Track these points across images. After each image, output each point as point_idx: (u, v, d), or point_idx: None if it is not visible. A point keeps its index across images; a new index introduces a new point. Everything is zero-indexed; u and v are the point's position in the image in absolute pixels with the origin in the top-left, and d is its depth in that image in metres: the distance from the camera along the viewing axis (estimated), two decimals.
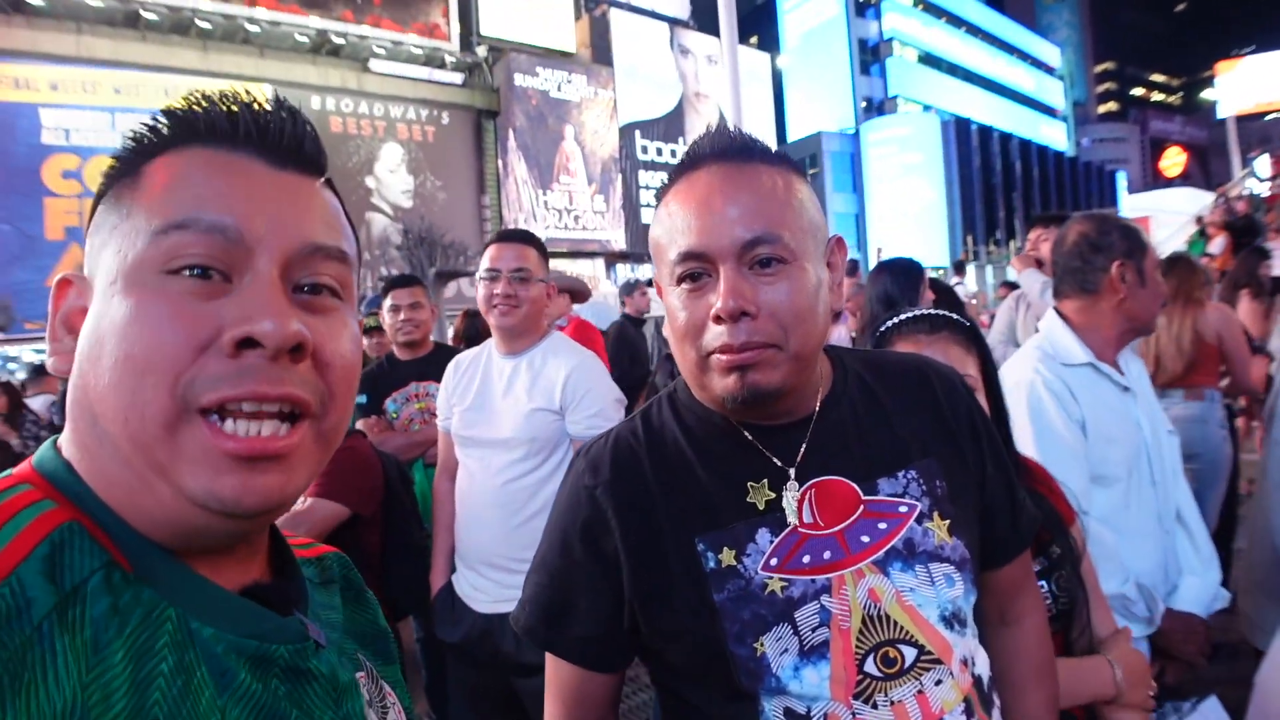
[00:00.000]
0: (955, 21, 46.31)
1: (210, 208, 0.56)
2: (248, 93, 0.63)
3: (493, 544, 2.21)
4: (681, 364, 0.98)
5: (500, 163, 24.98)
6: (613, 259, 27.22)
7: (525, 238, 2.36)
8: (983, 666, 0.97)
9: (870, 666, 0.89)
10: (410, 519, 2.63)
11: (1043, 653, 1.13)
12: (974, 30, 47.71)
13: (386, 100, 23.34)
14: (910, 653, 0.90)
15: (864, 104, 41.19)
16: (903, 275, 3.08)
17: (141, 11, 19.31)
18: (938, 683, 0.90)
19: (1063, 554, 1.37)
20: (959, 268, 9.18)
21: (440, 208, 23.17)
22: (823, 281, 0.94)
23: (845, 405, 1.01)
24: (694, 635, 0.93)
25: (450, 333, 5.47)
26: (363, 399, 3.31)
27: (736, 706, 0.92)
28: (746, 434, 0.98)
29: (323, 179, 0.66)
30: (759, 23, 44.84)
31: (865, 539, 0.93)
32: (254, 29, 20.90)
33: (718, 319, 0.89)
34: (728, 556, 0.92)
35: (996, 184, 40.76)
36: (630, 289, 6.73)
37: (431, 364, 3.21)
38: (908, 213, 36.95)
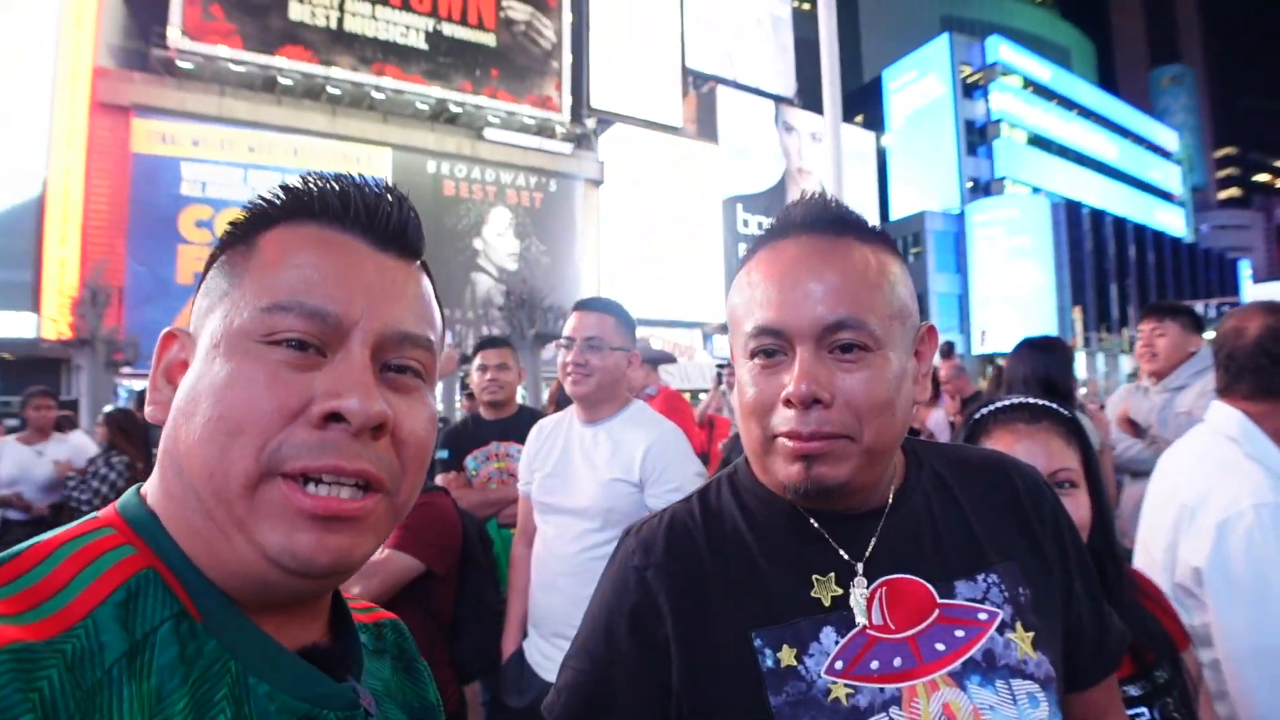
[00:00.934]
0: (1066, 104, 45.45)
1: (315, 294, 0.58)
2: (361, 176, 0.65)
3: (565, 613, 2.17)
4: (746, 442, 0.91)
5: (602, 231, 25.39)
6: (710, 331, 27.14)
7: (604, 306, 2.36)
8: None
9: None
10: (486, 581, 2.59)
11: None
12: (1086, 113, 46.74)
13: (498, 166, 24.15)
14: None
15: (970, 184, 40.54)
16: (1060, 354, 2.96)
17: (279, 78, 20.59)
18: None
19: (1170, 679, 1.23)
20: (948, 350, 8.27)
21: (544, 272, 23.62)
22: (907, 372, 0.86)
23: (919, 499, 0.93)
24: None
25: (545, 396, 5.44)
26: (444, 454, 3.39)
27: None
28: (813, 522, 0.90)
29: (419, 262, 0.68)
30: (865, 102, 45.01)
31: (940, 647, 0.84)
32: (379, 96, 22.03)
33: (788, 402, 0.82)
34: (787, 655, 0.83)
35: (1109, 269, 39.35)
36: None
37: (514, 425, 3.27)
38: (1014, 296, 35.86)
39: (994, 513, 0.94)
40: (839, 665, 0.82)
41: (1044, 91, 44.18)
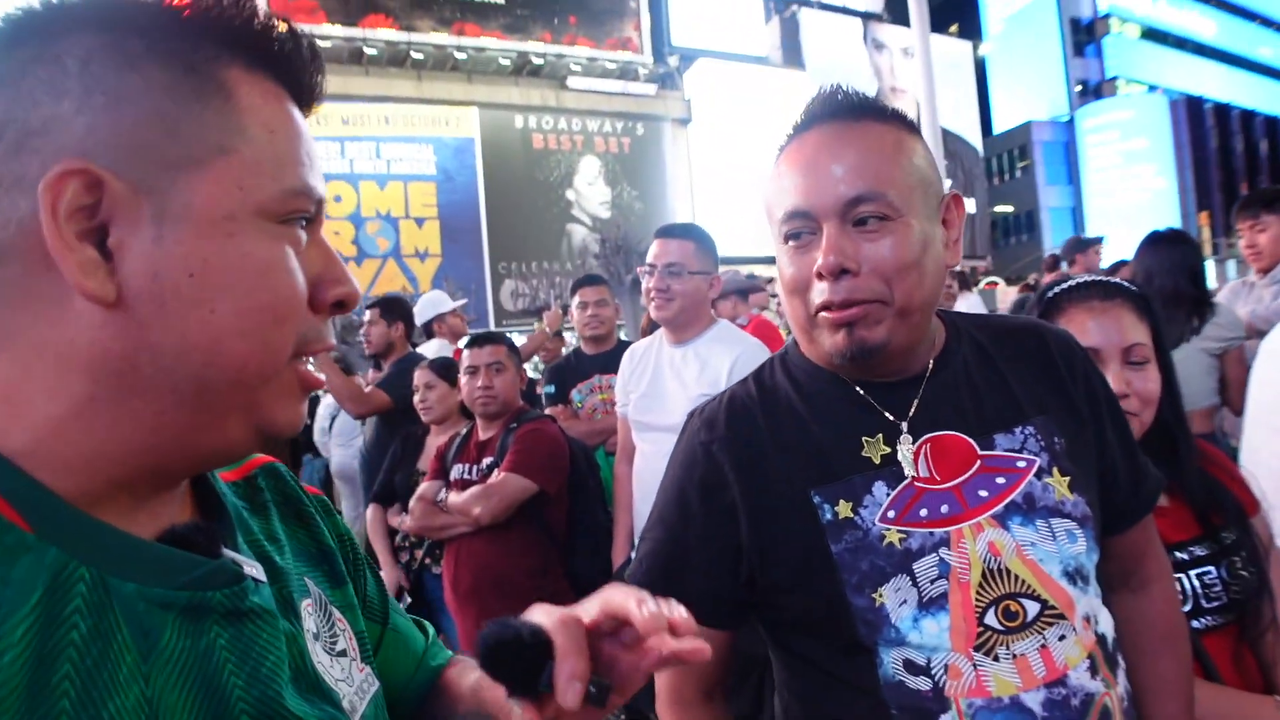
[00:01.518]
0: None
1: (313, 175, 0.58)
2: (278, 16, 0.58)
3: None
4: (791, 320, 0.99)
5: (694, 170, 25.01)
6: None
7: (685, 231, 2.49)
8: (1106, 625, 0.95)
9: (991, 619, 0.88)
10: (595, 501, 2.75)
11: (1173, 617, 1.09)
12: None
13: (584, 115, 23.96)
14: (1033, 607, 0.89)
15: (1078, 88, 37.89)
16: (1193, 246, 3.01)
17: (365, 48, 20.82)
18: (1061, 638, 0.89)
19: (1238, 540, 1.29)
20: (963, 280, 7.48)
21: (637, 217, 23.45)
22: (933, 238, 0.93)
23: (958, 363, 1.01)
24: (811, 586, 0.93)
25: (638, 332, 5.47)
26: (550, 389, 3.64)
27: (855, 660, 0.92)
28: (859, 389, 0.98)
29: None
30: (959, 9, 42.41)
31: (983, 493, 0.92)
32: (461, 56, 22.04)
33: (820, 275, 0.90)
34: (844, 509, 0.92)
35: (1238, 167, 36.47)
36: (1081, 246, 6.45)
37: (614, 358, 3.37)
38: (1133, 205, 33.65)
39: (1029, 372, 1.01)
40: (891, 514, 0.91)
41: None
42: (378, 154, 20.74)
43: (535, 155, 23.06)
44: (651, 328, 4.38)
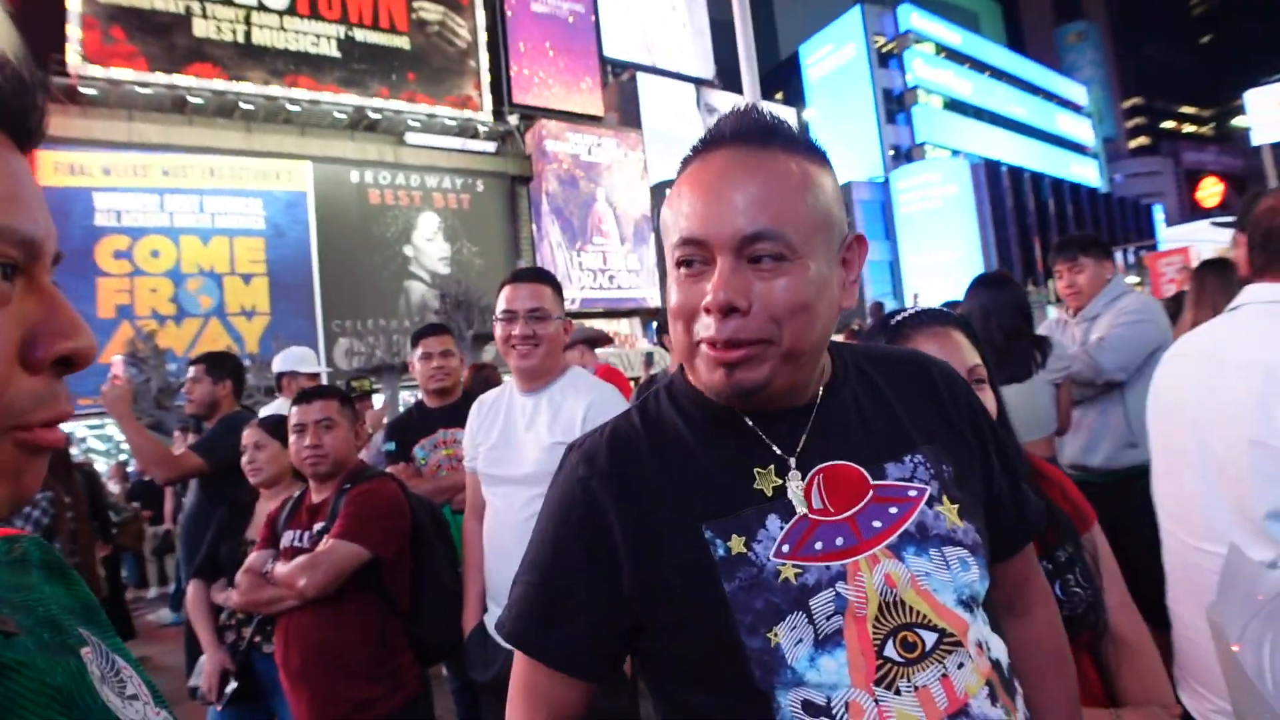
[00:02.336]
0: (978, 67, 46.51)
1: (16, 214, 0.51)
2: None
3: None
4: (676, 347, 0.94)
5: (534, 226, 25.37)
6: (648, 316, 27.33)
7: (539, 276, 2.37)
8: (999, 651, 0.93)
9: (890, 651, 0.85)
10: (441, 563, 2.59)
11: (1056, 642, 1.10)
12: (998, 74, 47.89)
13: (423, 171, 23.93)
14: (930, 637, 0.87)
15: (891, 152, 41.32)
16: (1016, 288, 3.20)
17: (188, 97, 20.09)
18: (960, 665, 0.87)
19: (1071, 557, 1.36)
20: (876, 310, 8.94)
21: (477, 273, 23.51)
22: (829, 280, 0.89)
23: (846, 393, 0.99)
24: (701, 628, 0.88)
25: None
26: (391, 446, 3.39)
27: (749, 704, 0.87)
28: (747, 420, 0.94)
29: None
30: (784, 79, 45.50)
31: (877, 524, 0.90)
32: (294, 108, 21.64)
33: (708, 310, 0.86)
34: (737, 544, 0.88)
35: (1031, 224, 40.49)
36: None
37: (459, 412, 3.19)
38: (943, 258, 36.75)
39: (915, 400, 1.00)
40: (785, 548, 0.87)
41: (956, 56, 45.16)
42: (201, 208, 19.96)
43: (372, 211, 22.80)
44: (476, 381, 4.32)
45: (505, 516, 2.29)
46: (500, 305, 2.30)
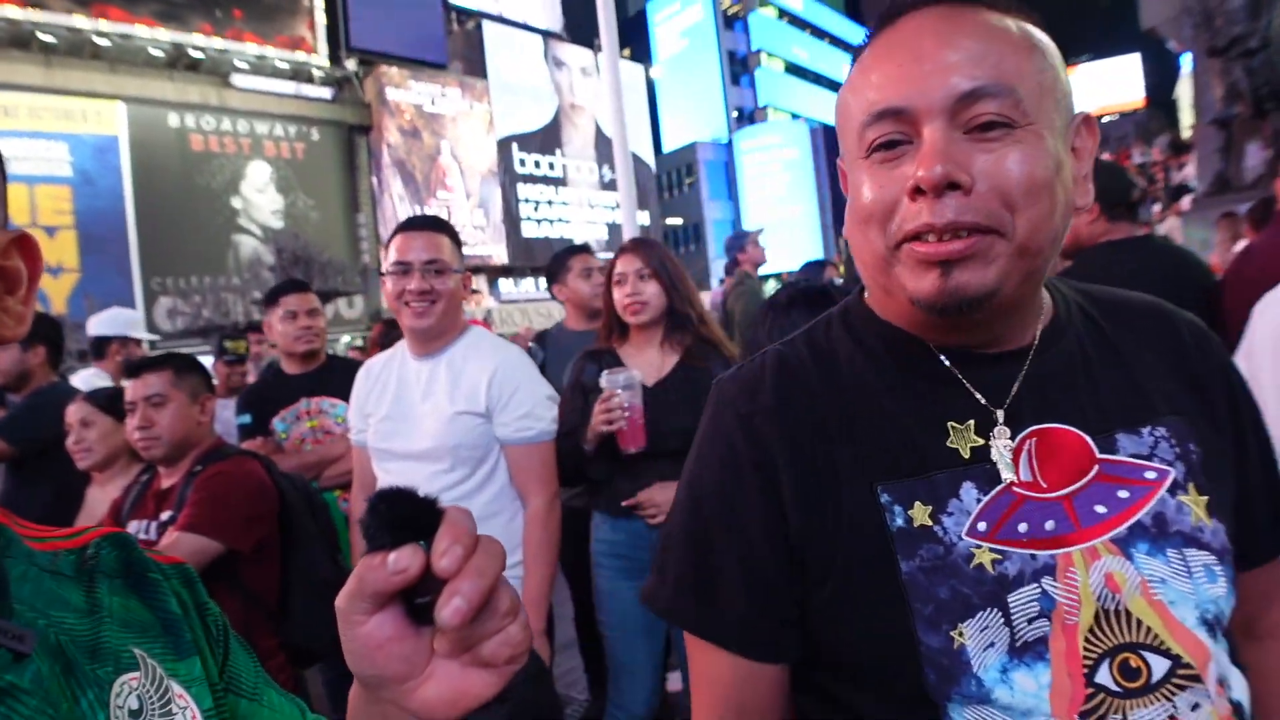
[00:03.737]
0: (818, 33, 48.18)
1: None
2: None
3: None
4: (862, 261, 0.77)
5: (375, 179, 24.54)
6: (495, 273, 27.12)
7: (436, 224, 2.12)
8: (1240, 691, 0.74)
9: (1104, 677, 0.68)
10: (318, 551, 2.33)
11: None
12: (836, 41, 49.75)
13: (251, 117, 22.54)
14: (1160, 664, 0.68)
15: (735, 114, 42.36)
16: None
17: None
18: (1194, 707, 0.68)
19: None
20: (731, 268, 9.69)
21: (314, 227, 22.58)
22: (1063, 164, 0.69)
23: (1070, 340, 0.79)
24: (870, 613, 0.72)
25: (365, 347, 4.85)
26: (246, 419, 3.00)
27: (915, 717, 0.71)
28: (944, 360, 0.77)
29: None
30: (631, 35, 45.40)
31: (1101, 509, 0.72)
32: (103, 43, 19.82)
33: (916, 192, 0.67)
34: (921, 514, 0.72)
35: None
36: (739, 241, 5.99)
37: (325, 378, 2.95)
38: (783, 218, 38.27)
39: (1156, 359, 0.80)
40: (981, 526, 0.71)
41: (798, 21, 46.56)
42: None
43: (195, 158, 21.34)
44: (388, 341, 3.75)
45: None
46: (391, 256, 2.06)
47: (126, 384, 2.32)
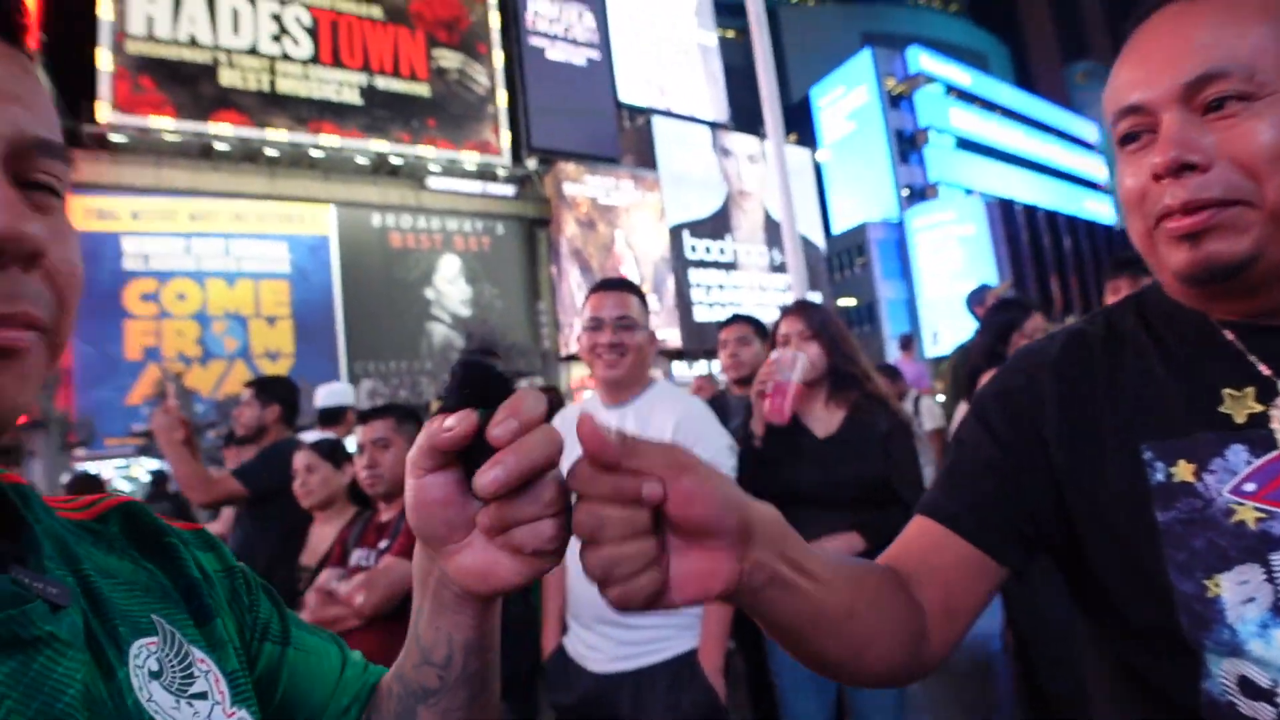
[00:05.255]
0: (988, 106, 46.92)
1: None
2: None
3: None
4: (1137, 245, 0.80)
5: (554, 268, 25.51)
6: (669, 356, 27.29)
7: (626, 285, 2.32)
8: None
9: None
10: None
11: None
12: (1008, 113, 48.25)
13: (443, 215, 24.15)
14: None
15: (905, 192, 41.53)
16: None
17: (214, 144, 20.42)
18: None
19: None
20: (907, 343, 9.16)
21: (497, 315, 23.62)
22: None
23: None
24: (1126, 558, 0.75)
25: None
26: None
27: (1175, 660, 0.71)
28: (1226, 333, 0.77)
29: (30, 50, 0.53)
30: (797, 121, 45.99)
31: None
32: (318, 154, 21.95)
33: (1157, 178, 0.72)
34: (1184, 470, 0.73)
35: (1048, 260, 40.46)
36: (980, 295, 6.20)
37: None
38: (959, 296, 36.70)
39: None
40: (1249, 487, 0.70)
41: (967, 96, 45.56)
42: (227, 251, 20.15)
43: (393, 254, 22.99)
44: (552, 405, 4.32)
45: None
46: (586, 313, 2.26)
47: (357, 429, 2.61)
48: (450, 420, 0.50)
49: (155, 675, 0.54)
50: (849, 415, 2.45)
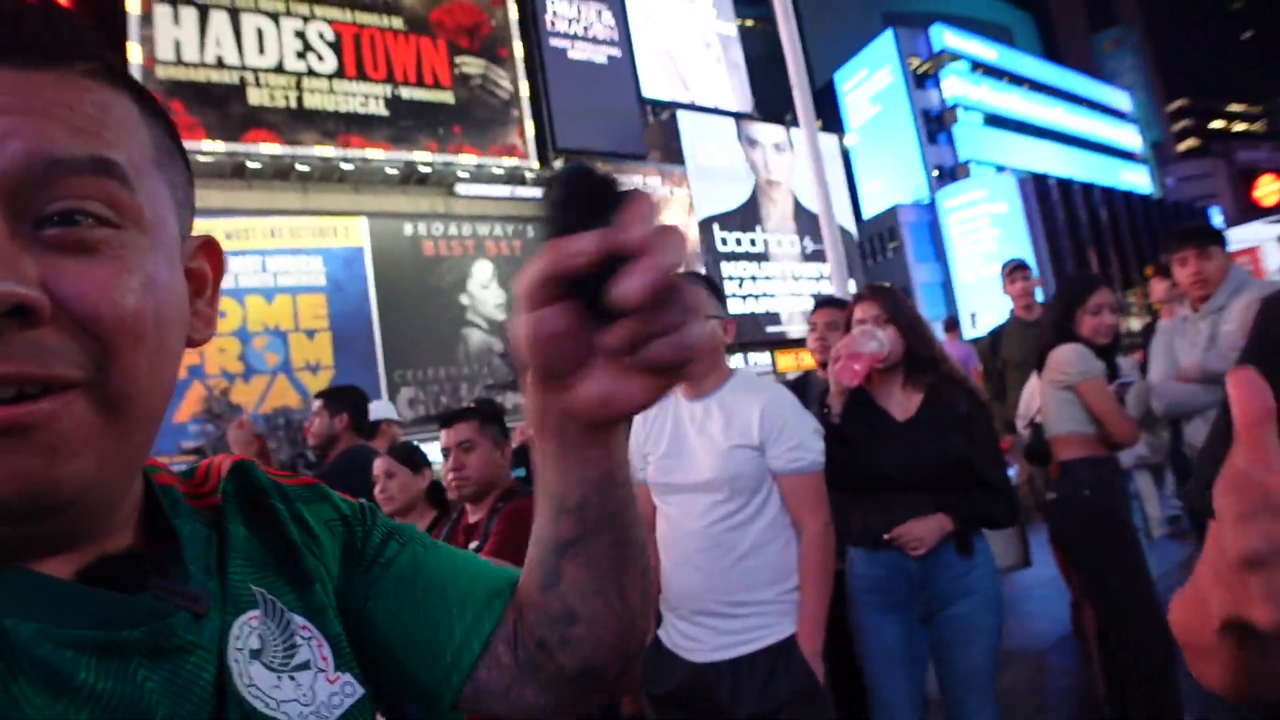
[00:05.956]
0: (1016, 80, 46.12)
1: None
2: None
3: (705, 590, 2.19)
4: None
5: None
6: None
7: (694, 276, 2.34)
8: None
9: None
10: None
11: None
12: (1037, 86, 47.41)
13: (474, 220, 24.24)
14: None
15: (935, 172, 40.94)
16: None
17: (247, 163, 20.70)
18: None
19: None
20: (951, 324, 8.94)
21: None
22: None
23: None
24: None
25: None
26: (521, 472, 3.35)
27: None
28: None
29: (84, 68, 0.48)
30: (822, 106, 45.40)
31: None
32: (348, 167, 22.14)
33: None
34: None
35: (1084, 235, 39.69)
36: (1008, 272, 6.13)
37: None
38: (995, 276, 36.15)
39: None
40: None
41: (993, 71, 44.85)
42: (264, 268, 20.42)
43: (426, 262, 23.13)
44: None
45: (683, 524, 2.24)
46: None
47: (441, 433, 2.58)
48: (578, 242, 0.45)
49: (256, 654, 0.55)
50: (926, 398, 2.48)
